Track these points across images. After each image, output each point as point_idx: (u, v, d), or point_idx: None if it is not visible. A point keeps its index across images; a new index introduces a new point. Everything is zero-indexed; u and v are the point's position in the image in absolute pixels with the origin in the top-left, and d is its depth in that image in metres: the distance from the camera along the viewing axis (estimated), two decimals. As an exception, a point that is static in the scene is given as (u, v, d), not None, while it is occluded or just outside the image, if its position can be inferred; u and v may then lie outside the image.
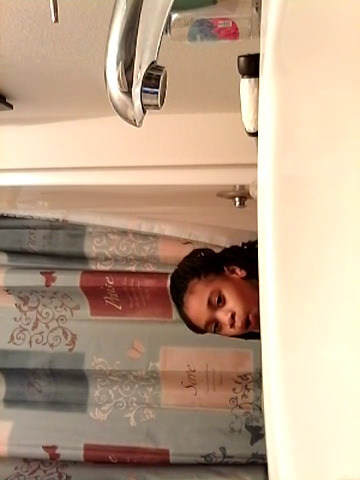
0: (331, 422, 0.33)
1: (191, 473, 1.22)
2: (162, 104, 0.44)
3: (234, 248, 1.21)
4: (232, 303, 1.04)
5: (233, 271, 1.10)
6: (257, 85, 0.55)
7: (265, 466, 0.43)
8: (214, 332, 1.09)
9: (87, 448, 1.28)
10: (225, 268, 1.10)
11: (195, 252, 1.19)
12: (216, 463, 1.24)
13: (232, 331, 1.05)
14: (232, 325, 1.04)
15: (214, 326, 1.07)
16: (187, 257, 1.19)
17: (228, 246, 1.27)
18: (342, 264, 0.34)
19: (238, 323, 1.03)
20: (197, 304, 1.06)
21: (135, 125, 0.45)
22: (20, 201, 1.70)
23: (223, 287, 1.05)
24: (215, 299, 1.04)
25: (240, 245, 1.22)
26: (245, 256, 1.13)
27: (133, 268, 1.35)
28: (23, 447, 1.31)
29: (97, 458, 1.29)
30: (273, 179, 0.40)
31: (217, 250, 1.22)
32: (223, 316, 1.04)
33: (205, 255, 1.16)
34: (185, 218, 1.37)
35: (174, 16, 0.54)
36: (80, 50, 0.91)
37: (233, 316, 1.03)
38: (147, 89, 0.42)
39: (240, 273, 1.09)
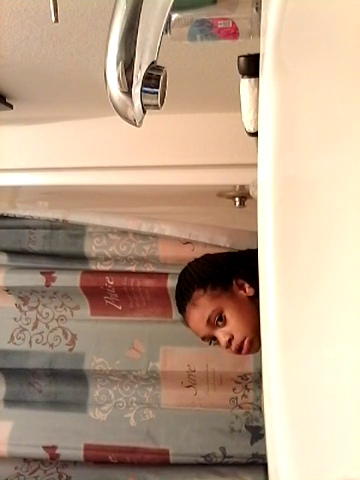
0: (331, 422, 0.33)
1: (191, 473, 1.22)
2: (162, 104, 0.44)
3: (250, 253, 1.13)
4: (232, 326, 1.03)
5: (242, 286, 1.06)
6: (257, 85, 0.55)
7: (265, 466, 0.43)
8: (210, 344, 1.10)
9: (87, 448, 1.28)
10: (234, 282, 1.07)
11: (206, 257, 1.15)
12: (216, 463, 1.24)
13: (227, 350, 1.06)
14: (227, 347, 1.04)
15: (211, 340, 1.08)
16: (197, 260, 1.14)
17: (236, 247, 1.23)
18: (342, 264, 0.34)
19: (233, 347, 1.03)
20: (197, 319, 1.06)
21: (135, 125, 0.45)
22: (20, 201, 1.70)
23: (226, 307, 1.04)
24: (215, 318, 1.03)
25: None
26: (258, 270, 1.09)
27: (133, 268, 1.34)
28: (23, 447, 1.30)
29: (97, 458, 1.28)
30: (273, 179, 0.40)
31: (221, 251, 1.21)
32: (220, 336, 1.04)
33: (216, 263, 1.11)
34: (185, 218, 1.37)
35: (174, 16, 0.54)
36: (80, 50, 0.91)
37: (230, 340, 1.03)
38: (147, 89, 0.42)
39: (248, 291, 1.05)
